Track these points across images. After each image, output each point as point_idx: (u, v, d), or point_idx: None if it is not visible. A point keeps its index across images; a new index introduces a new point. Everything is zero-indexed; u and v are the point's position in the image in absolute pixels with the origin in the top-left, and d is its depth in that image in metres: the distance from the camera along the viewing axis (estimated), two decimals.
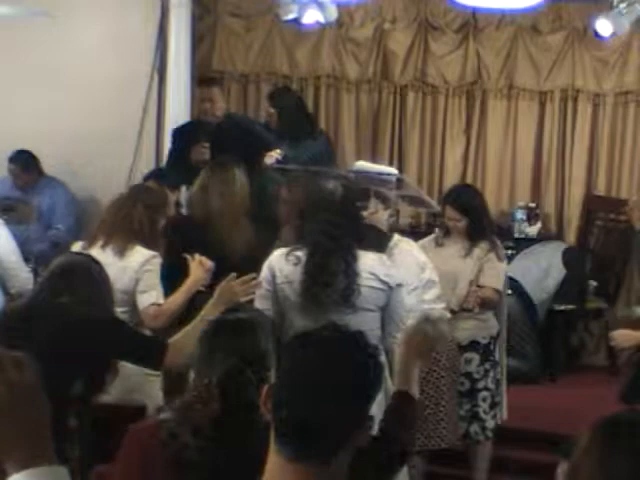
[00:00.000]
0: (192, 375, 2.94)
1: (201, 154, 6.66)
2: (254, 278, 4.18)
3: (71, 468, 3.15)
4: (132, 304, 4.66)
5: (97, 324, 3.90)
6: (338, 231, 4.18)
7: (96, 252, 4.58)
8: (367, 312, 4.18)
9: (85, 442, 3.78)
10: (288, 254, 4.25)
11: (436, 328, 2.91)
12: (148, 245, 4.75)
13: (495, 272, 5.34)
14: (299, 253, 4.22)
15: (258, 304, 4.17)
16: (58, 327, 3.79)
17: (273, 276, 4.26)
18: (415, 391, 2.83)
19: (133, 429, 2.94)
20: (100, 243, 4.74)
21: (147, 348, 4.00)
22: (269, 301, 4.24)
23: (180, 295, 4.63)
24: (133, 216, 4.79)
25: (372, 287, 4.19)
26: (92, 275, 4.04)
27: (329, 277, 4.14)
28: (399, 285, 4.28)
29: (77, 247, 4.87)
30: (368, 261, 4.21)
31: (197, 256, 4.63)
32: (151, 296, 4.62)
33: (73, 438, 3.72)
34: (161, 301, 4.63)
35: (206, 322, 3.24)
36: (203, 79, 7.56)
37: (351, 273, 4.14)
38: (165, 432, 2.74)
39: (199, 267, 4.61)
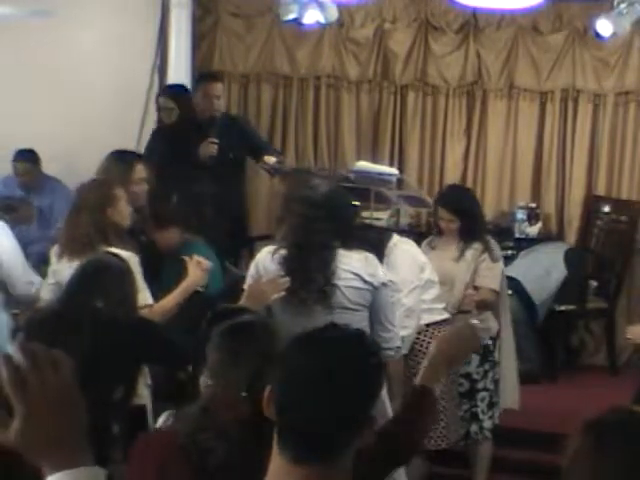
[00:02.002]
0: (204, 380, 2.84)
1: (210, 149, 6.64)
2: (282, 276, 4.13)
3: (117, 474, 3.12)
4: None
5: (136, 329, 3.92)
6: (315, 228, 4.09)
7: (67, 262, 4.53)
8: (354, 312, 4.12)
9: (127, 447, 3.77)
10: (274, 252, 4.20)
11: (475, 337, 2.90)
12: (114, 244, 4.54)
13: (491, 273, 5.33)
14: (284, 252, 4.17)
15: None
16: (97, 333, 3.77)
17: (258, 273, 4.23)
18: (436, 390, 2.75)
19: (144, 438, 2.85)
20: (67, 256, 4.62)
21: (181, 351, 4.00)
22: None
23: (176, 296, 4.58)
24: (79, 226, 4.65)
25: (356, 287, 4.13)
26: (123, 277, 4.05)
27: (308, 274, 4.09)
28: (384, 285, 4.19)
29: (53, 251, 4.78)
30: (352, 261, 4.13)
31: (195, 256, 4.60)
32: (140, 298, 4.44)
33: (116, 444, 3.70)
34: (150, 301, 4.51)
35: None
36: (211, 75, 7.49)
37: (328, 272, 4.07)
38: (186, 439, 2.64)
39: (197, 267, 4.58)
